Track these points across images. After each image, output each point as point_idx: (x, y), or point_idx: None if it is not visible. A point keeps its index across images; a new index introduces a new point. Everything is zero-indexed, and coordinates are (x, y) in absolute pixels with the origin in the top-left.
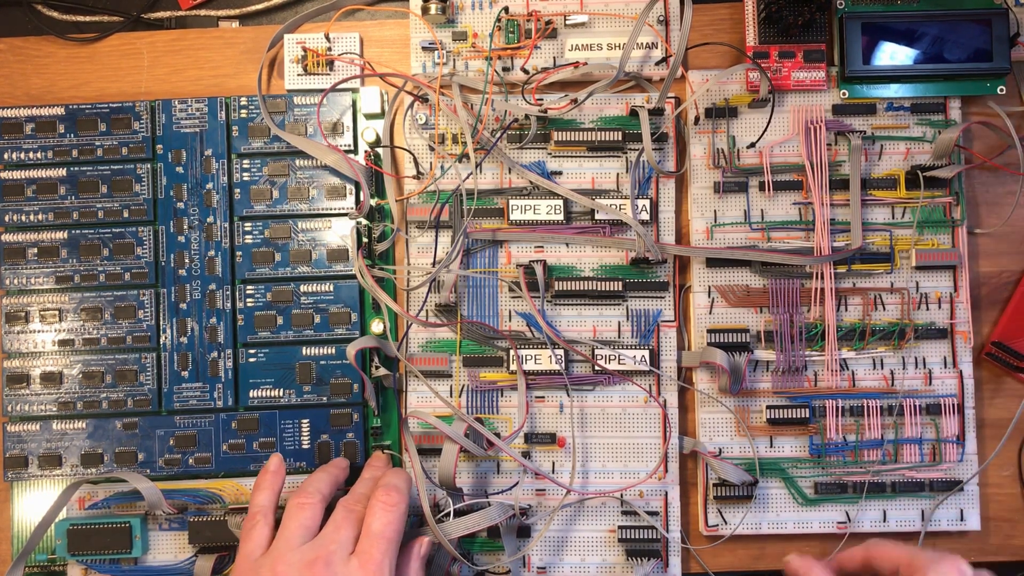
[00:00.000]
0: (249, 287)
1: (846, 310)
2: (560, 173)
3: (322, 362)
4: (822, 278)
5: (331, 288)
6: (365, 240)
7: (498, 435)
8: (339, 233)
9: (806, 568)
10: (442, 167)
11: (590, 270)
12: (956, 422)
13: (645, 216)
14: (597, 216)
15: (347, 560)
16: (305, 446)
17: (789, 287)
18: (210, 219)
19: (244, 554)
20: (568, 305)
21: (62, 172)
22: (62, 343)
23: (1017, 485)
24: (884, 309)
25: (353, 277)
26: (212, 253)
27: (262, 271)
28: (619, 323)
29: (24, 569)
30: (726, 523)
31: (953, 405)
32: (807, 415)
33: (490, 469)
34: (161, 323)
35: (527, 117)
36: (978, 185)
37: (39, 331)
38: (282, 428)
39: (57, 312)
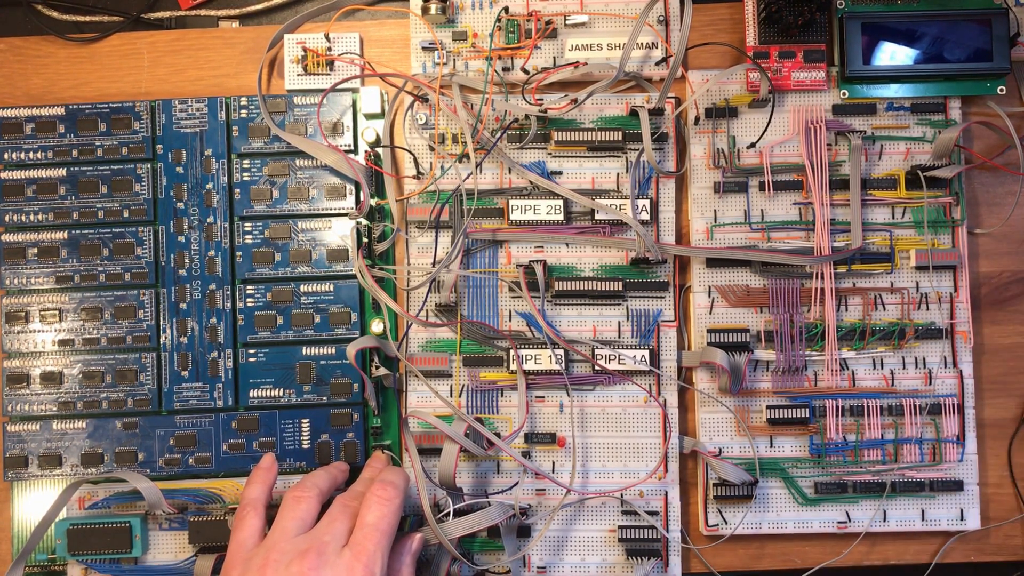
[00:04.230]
0: (249, 287)
1: (846, 310)
2: (560, 173)
3: (322, 362)
4: (822, 278)
5: (331, 288)
6: (365, 240)
7: (498, 435)
8: (339, 233)
9: None
10: (442, 167)
11: (590, 270)
12: (956, 422)
13: (645, 216)
14: (597, 216)
15: (340, 551)
16: (305, 446)
17: (789, 287)
18: (210, 219)
19: (237, 542)
20: (568, 305)
21: (62, 172)
22: (62, 343)
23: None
24: (884, 309)
25: (353, 277)
26: (212, 253)
27: (262, 271)
28: (619, 323)
29: (24, 569)
30: (726, 523)
31: (953, 405)
32: (807, 415)
33: (490, 469)
34: (161, 323)
35: (527, 117)
36: (978, 185)
37: (39, 331)
38: (282, 428)
39: (57, 312)
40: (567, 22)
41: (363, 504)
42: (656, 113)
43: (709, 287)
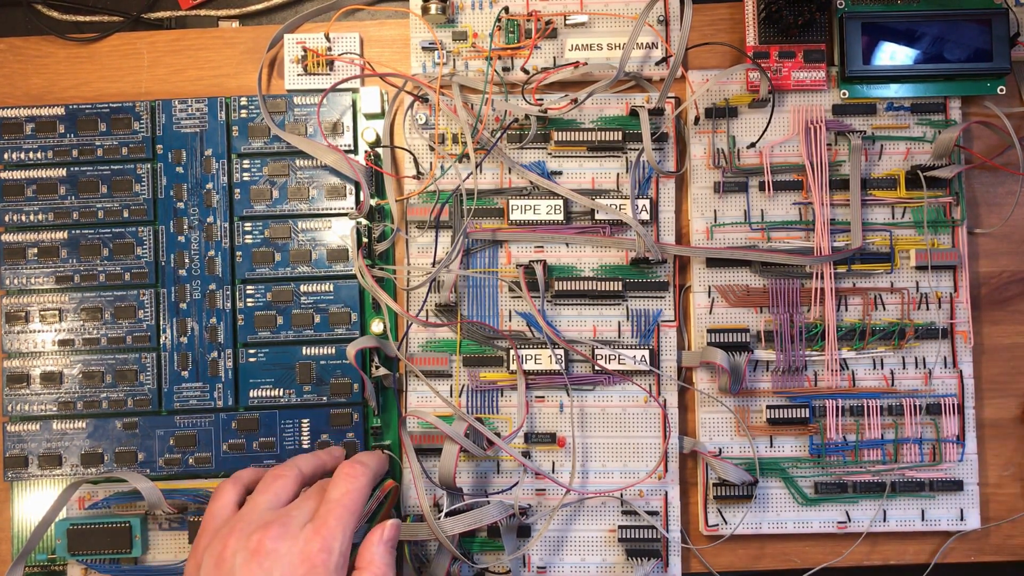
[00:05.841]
0: (249, 287)
1: (846, 310)
2: (560, 173)
3: (322, 362)
4: (822, 278)
5: (331, 288)
6: (365, 240)
7: (498, 435)
8: (339, 233)
9: None
10: (442, 167)
11: (590, 270)
12: (956, 422)
13: (645, 216)
14: (597, 216)
15: (303, 526)
16: (305, 446)
17: (789, 287)
18: (210, 219)
19: (210, 513)
20: (568, 305)
21: (62, 172)
22: (62, 343)
23: (1018, 485)
24: (884, 309)
25: (353, 277)
26: (212, 253)
27: (262, 271)
28: (619, 323)
29: (24, 569)
30: (726, 523)
31: (953, 405)
32: (807, 415)
33: (490, 469)
34: (161, 323)
35: (527, 117)
36: (978, 185)
37: (39, 331)
38: (282, 428)
39: (57, 312)
40: (567, 22)
41: (330, 482)
42: (656, 113)
43: (709, 287)
